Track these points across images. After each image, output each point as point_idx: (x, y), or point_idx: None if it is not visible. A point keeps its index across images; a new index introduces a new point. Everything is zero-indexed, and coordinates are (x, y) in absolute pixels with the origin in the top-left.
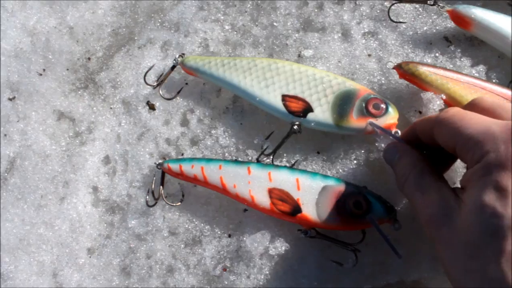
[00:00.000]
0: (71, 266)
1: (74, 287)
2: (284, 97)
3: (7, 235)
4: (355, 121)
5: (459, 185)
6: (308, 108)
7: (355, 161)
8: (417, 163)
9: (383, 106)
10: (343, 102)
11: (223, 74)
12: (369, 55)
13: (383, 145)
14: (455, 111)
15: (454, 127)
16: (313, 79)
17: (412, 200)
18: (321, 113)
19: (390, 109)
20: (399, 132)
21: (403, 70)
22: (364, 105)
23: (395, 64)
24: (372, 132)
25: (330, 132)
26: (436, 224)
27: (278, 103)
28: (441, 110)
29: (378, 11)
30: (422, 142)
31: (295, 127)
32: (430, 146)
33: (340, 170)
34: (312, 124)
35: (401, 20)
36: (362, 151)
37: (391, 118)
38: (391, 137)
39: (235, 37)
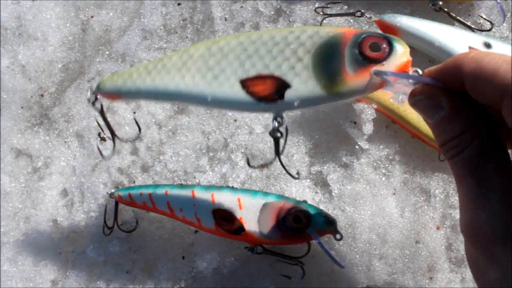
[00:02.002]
0: None
1: None
2: (245, 83)
3: None
4: (353, 77)
5: None
6: (282, 85)
7: (296, 175)
8: (476, 132)
9: (383, 44)
10: (328, 59)
11: (152, 83)
12: None
13: (399, 93)
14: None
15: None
16: (274, 43)
17: (459, 183)
18: (303, 85)
19: (396, 44)
20: (420, 71)
21: None
22: (357, 51)
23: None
24: (382, 86)
25: (323, 105)
26: (490, 245)
27: (238, 93)
28: (374, 119)
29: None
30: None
31: (276, 124)
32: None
33: (284, 186)
34: (296, 103)
35: None
36: (304, 165)
37: (400, 56)
38: (416, 83)
39: None
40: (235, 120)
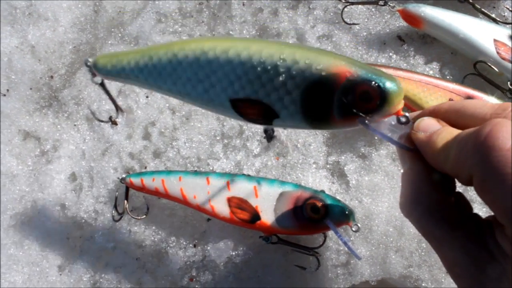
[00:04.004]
0: (43, 284)
1: None
2: (234, 102)
3: None
4: (340, 122)
5: None
6: (270, 113)
7: (314, 165)
8: (426, 198)
9: (375, 95)
10: (316, 99)
11: (146, 81)
12: None
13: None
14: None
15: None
16: (264, 70)
17: (425, 239)
18: (289, 118)
19: (388, 95)
20: (409, 116)
21: None
22: (346, 100)
23: None
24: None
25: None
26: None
27: (229, 110)
28: None
29: (332, 13)
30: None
31: (268, 132)
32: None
33: (300, 175)
34: (283, 128)
35: (354, 22)
36: (321, 155)
37: (391, 107)
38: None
39: None
40: None
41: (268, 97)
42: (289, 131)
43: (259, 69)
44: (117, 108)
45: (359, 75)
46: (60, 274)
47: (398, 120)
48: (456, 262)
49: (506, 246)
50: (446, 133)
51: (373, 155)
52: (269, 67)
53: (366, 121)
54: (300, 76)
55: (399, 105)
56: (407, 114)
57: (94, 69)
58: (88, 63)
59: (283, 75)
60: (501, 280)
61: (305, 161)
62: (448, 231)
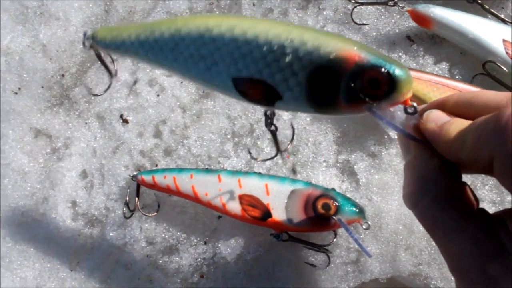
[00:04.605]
0: (54, 280)
1: None
2: (237, 82)
3: None
4: (346, 107)
5: None
6: (273, 94)
7: (324, 164)
8: (434, 186)
9: (384, 82)
10: (323, 83)
11: (146, 56)
12: None
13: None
14: None
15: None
16: (269, 50)
17: (429, 233)
18: (293, 100)
19: (397, 82)
20: (417, 107)
21: None
22: (354, 85)
23: None
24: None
25: None
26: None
27: (230, 89)
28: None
29: (342, 14)
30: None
31: (268, 117)
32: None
33: (310, 173)
34: (286, 111)
35: (364, 22)
36: (331, 153)
37: (399, 96)
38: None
39: None
40: None
41: (272, 77)
42: (299, 129)
43: (264, 48)
44: (109, 72)
45: (369, 60)
46: (71, 271)
47: (405, 110)
48: (463, 255)
49: None
50: (459, 123)
51: (383, 153)
52: (275, 47)
53: (373, 108)
54: (307, 57)
55: (408, 94)
56: (414, 104)
57: (93, 41)
58: (86, 35)
59: (290, 56)
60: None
61: (315, 159)
62: (458, 220)
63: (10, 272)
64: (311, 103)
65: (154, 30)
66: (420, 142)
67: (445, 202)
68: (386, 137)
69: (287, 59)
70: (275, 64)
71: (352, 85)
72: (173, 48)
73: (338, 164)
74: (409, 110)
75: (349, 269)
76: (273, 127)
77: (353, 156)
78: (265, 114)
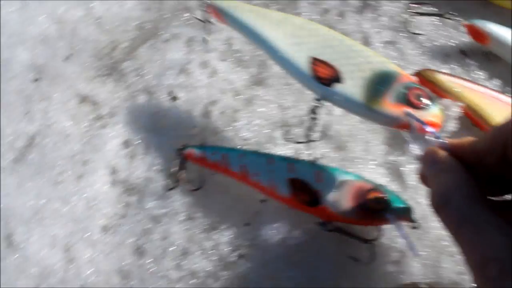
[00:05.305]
0: (84, 242)
1: (85, 262)
2: (313, 60)
3: (22, 207)
4: (390, 105)
5: None
6: (337, 78)
7: (372, 162)
8: (465, 184)
9: (426, 99)
10: (380, 82)
11: (248, 20)
12: None
13: (414, 147)
14: None
15: None
16: (351, 50)
17: (455, 233)
18: (351, 87)
19: (434, 106)
20: (443, 138)
21: (423, 76)
22: (404, 91)
23: (416, 71)
24: (405, 127)
25: (357, 115)
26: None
27: (303, 64)
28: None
29: (397, 22)
30: (478, 166)
31: (315, 105)
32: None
33: (358, 171)
34: (336, 97)
35: (419, 32)
36: (380, 153)
37: (433, 115)
38: (428, 139)
39: None
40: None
41: (343, 67)
42: (350, 125)
43: (346, 50)
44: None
45: (421, 85)
46: (104, 234)
47: (433, 134)
48: (496, 256)
49: None
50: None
51: None
52: (355, 53)
53: (412, 112)
54: (377, 64)
55: (438, 119)
56: (444, 140)
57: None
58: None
59: (363, 60)
60: None
61: (364, 157)
62: (491, 215)
63: (42, 228)
64: (364, 92)
65: (266, 9)
66: (445, 145)
67: (480, 198)
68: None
69: (360, 60)
70: (351, 59)
71: (404, 91)
72: (276, 23)
73: (386, 164)
74: (436, 135)
75: (390, 269)
76: (315, 115)
77: (402, 158)
78: (316, 99)
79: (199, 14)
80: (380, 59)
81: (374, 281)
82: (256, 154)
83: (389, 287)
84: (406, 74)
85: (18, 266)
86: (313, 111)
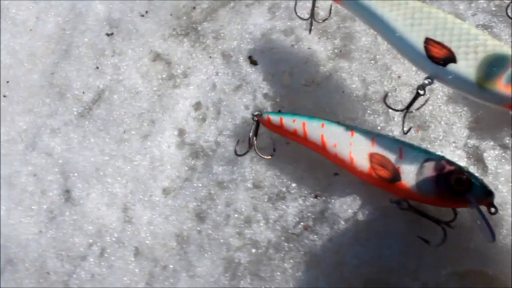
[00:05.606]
0: (144, 203)
1: (143, 224)
2: (428, 40)
3: (84, 162)
4: (502, 86)
5: None
6: (451, 59)
7: (453, 144)
8: None
9: None
10: (494, 64)
11: (368, 2)
12: None
13: None
14: None
15: None
16: (467, 33)
17: None
18: (465, 67)
19: None
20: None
21: None
22: None
23: None
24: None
25: (465, 93)
26: None
27: (418, 44)
28: None
29: (495, 6)
30: None
31: (426, 82)
32: None
33: (438, 151)
34: (450, 77)
35: None
36: (462, 136)
37: None
38: None
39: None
40: (399, 77)
41: (458, 48)
42: (433, 107)
43: (462, 33)
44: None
45: None
46: (165, 197)
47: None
48: None
49: None
50: None
51: None
52: (472, 36)
53: None
54: (491, 46)
55: None
56: None
57: None
58: None
59: (479, 41)
60: None
61: (445, 138)
62: None
63: (102, 185)
64: (477, 72)
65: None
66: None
67: None
68: None
69: (476, 41)
70: (465, 41)
71: None
72: (395, 5)
73: (466, 148)
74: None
75: (460, 254)
76: (421, 92)
77: (483, 144)
78: (427, 78)
79: None
80: (496, 43)
81: (441, 264)
82: (338, 124)
83: (456, 271)
84: None
85: (75, 222)
86: (423, 87)
